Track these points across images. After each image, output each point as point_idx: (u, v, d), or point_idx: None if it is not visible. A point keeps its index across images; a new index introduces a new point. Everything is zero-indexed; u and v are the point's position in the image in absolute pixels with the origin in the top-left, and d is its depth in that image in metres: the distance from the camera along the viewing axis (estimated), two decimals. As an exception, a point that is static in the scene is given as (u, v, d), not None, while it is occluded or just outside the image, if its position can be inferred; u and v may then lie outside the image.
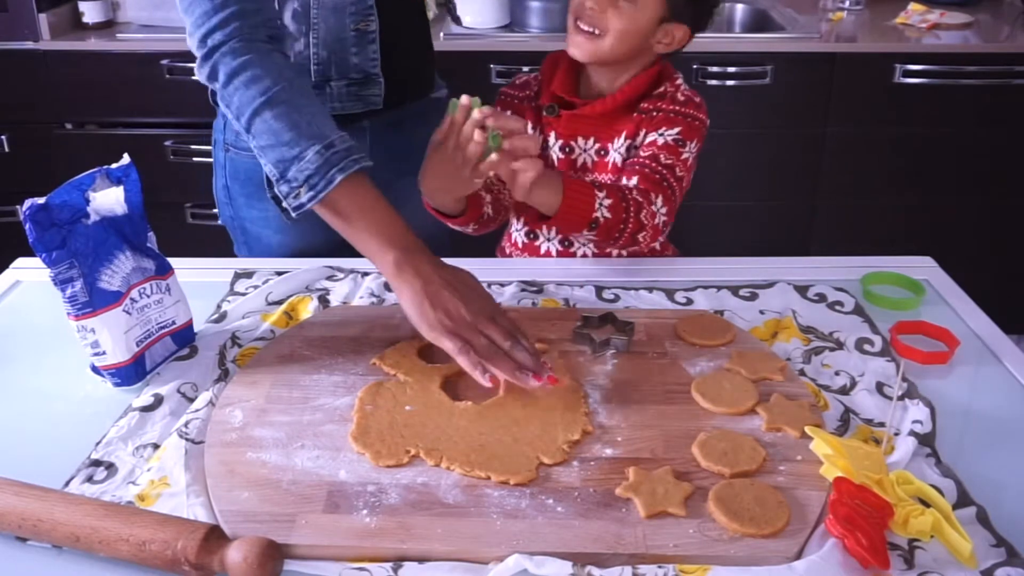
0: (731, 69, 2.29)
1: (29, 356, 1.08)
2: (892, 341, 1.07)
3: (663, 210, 1.18)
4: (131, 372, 1.00)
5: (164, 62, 2.24)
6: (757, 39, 2.40)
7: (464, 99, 1.03)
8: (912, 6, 2.48)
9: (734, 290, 1.19)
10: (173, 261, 1.05)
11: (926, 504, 0.80)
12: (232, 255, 1.37)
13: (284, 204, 1.04)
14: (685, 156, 1.22)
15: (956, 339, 1.06)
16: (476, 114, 1.01)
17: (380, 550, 0.77)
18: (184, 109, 2.27)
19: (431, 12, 2.41)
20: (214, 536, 0.75)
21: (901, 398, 0.95)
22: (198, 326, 1.09)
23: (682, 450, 0.88)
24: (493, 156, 1.03)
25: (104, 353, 0.97)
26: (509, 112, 1.30)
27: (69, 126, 2.37)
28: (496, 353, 0.94)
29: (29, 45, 2.27)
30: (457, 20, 2.35)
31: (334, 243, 1.40)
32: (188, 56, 1.10)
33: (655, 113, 1.24)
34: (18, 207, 2.26)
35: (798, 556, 0.76)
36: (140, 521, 0.76)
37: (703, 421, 0.93)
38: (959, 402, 0.97)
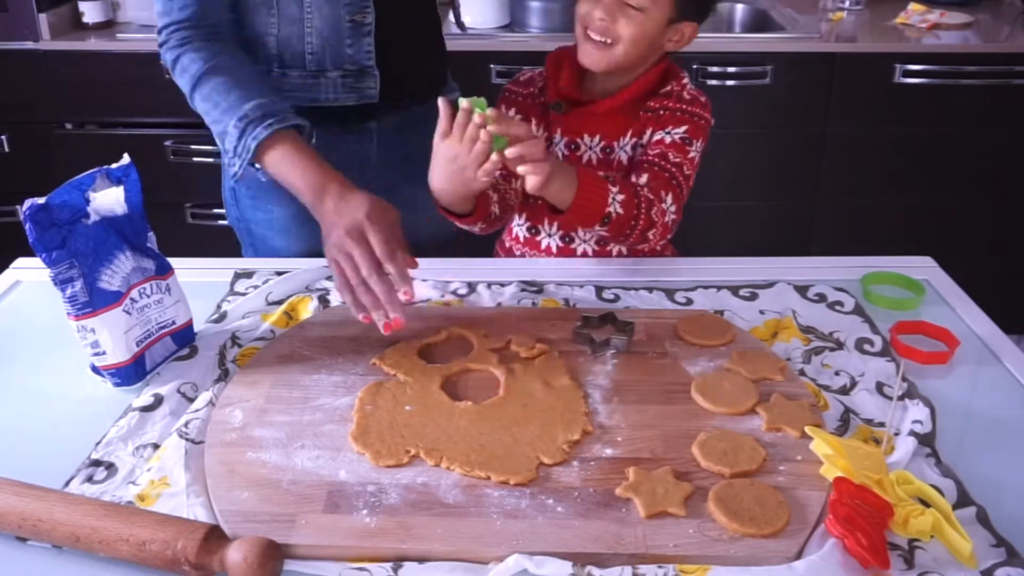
0: (731, 69, 2.29)
1: (29, 356, 1.08)
2: (892, 341, 1.06)
3: (672, 208, 1.17)
4: (131, 372, 1.00)
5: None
6: (757, 39, 2.40)
7: (464, 102, 1.03)
8: (912, 6, 2.48)
9: (734, 290, 1.19)
10: (173, 261, 1.05)
11: (926, 504, 0.80)
12: (232, 255, 1.37)
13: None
14: (692, 155, 1.22)
15: (956, 339, 1.06)
16: (477, 118, 1.01)
17: (380, 550, 0.77)
18: (184, 109, 2.24)
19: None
20: (214, 536, 0.75)
21: (901, 398, 0.95)
22: (198, 326, 1.09)
23: (682, 450, 0.88)
24: (494, 156, 1.03)
25: (104, 353, 0.97)
26: (513, 110, 1.30)
27: (69, 126, 2.37)
28: (360, 284, 1.04)
29: (29, 45, 2.27)
30: (460, 20, 2.35)
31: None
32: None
33: (662, 112, 1.24)
34: (18, 207, 2.26)
35: (798, 556, 0.76)
36: (140, 521, 0.76)
37: (703, 421, 0.93)
38: (959, 402, 0.97)
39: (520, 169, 1.03)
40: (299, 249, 1.37)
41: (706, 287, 1.20)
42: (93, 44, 2.30)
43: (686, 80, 1.28)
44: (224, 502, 0.82)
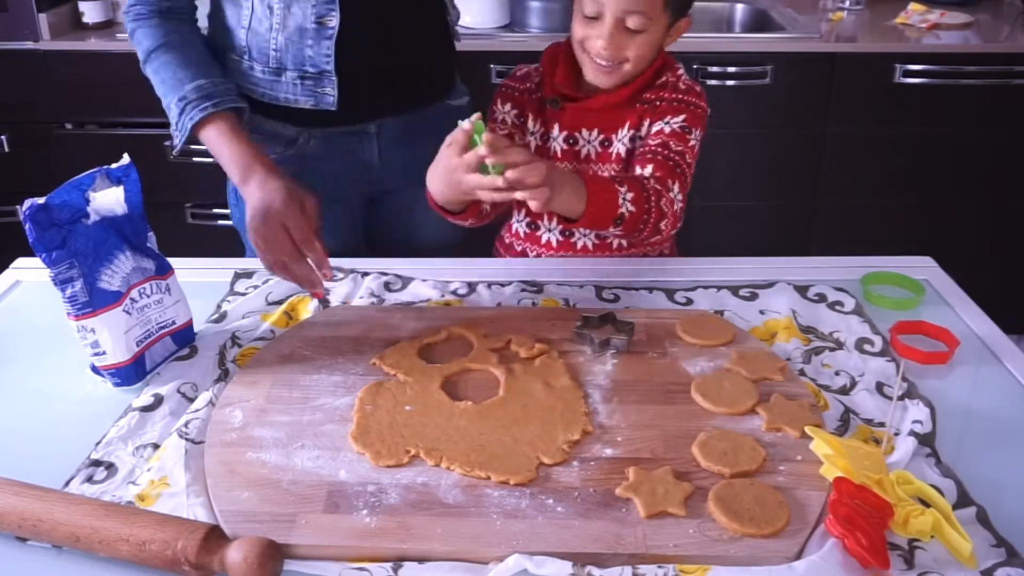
0: (731, 69, 2.29)
1: (29, 356, 1.08)
2: (892, 341, 1.06)
3: (679, 197, 1.16)
4: (131, 372, 1.00)
5: (164, 62, 2.23)
6: (757, 39, 2.40)
7: (465, 123, 1.01)
8: (912, 6, 2.48)
9: (734, 290, 1.19)
10: (173, 261, 1.05)
11: (926, 504, 0.80)
12: (232, 255, 1.37)
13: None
14: (692, 143, 1.22)
15: (956, 339, 1.06)
16: (482, 148, 0.98)
17: (380, 550, 0.77)
18: (184, 109, 2.26)
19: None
20: (214, 536, 0.75)
21: (901, 398, 0.95)
22: (198, 326, 1.09)
23: (682, 450, 0.88)
24: (497, 181, 0.99)
25: (104, 353, 0.97)
26: (509, 105, 1.30)
27: (69, 126, 2.37)
28: (281, 267, 1.12)
29: (29, 45, 2.26)
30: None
31: (339, 246, 1.41)
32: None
33: (659, 103, 1.24)
34: (18, 207, 2.25)
35: (798, 556, 0.76)
36: (140, 521, 0.76)
37: (703, 421, 0.93)
38: (959, 402, 0.97)
39: (519, 195, 1.00)
40: None
41: (706, 287, 1.20)
42: (93, 44, 2.30)
43: (681, 71, 1.27)
44: (224, 502, 0.82)
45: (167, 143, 2.32)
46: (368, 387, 0.97)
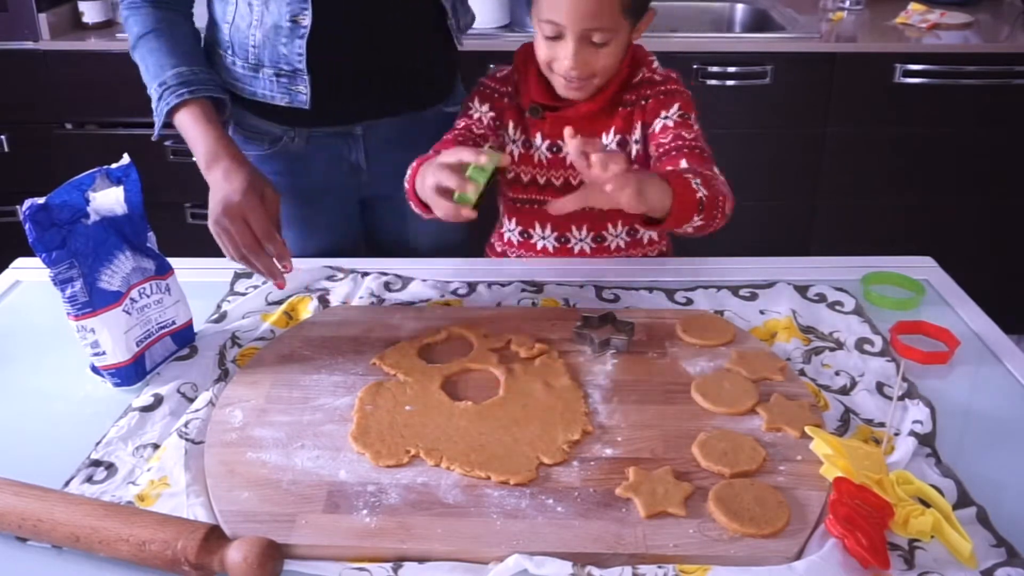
0: (731, 69, 2.29)
1: (29, 356, 1.08)
2: (892, 341, 1.06)
3: (722, 177, 1.14)
4: (131, 372, 1.00)
5: (164, 62, 2.23)
6: (757, 39, 2.40)
7: (483, 159, 1.00)
8: (912, 6, 2.48)
9: (734, 290, 1.19)
10: (173, 261, 1.05)
11: (926, 504, 0.80)
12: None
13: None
14: (696, 127, 1.22)
15: (956, 339, 1.06)
16: (482, 157, 0.98)
17: (380, 550, 0.77)
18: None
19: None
20: (214, 536, 0.75)
21: (901, 398, 0.95)
22: (198, 326, 1.09)
23: (682, 450, 0.88)
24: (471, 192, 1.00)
25: (104, 353, 0.97)
26: (488, 106, 1.27)
27: (69, 126, 2.37)
28: (242, 258, 1.15)
29: (29, 45, 2.26)
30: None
31: (335, 246, 1.41)
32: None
33: (643, 102, 1.22)
34: (18, 207, 2.26)
35: (798, 556, 0.76)
36: (140, 521, 0.76)
37: (703, 421, 0.93)
38: (959, 402, 0.97)
39: (609, 187, 0.96)
40: (299, 249, 1.37)
41: (706, 287, 1.20)
42: (93, 44, 2.30)
43: (654, 61, 1.25)
44: (224, 502, 0.82)
45: (167, 143, 2.33)
46: (368, 387, 0.97)
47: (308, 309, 1.15)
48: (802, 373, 1.01)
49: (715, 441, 0.88)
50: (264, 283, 1.20)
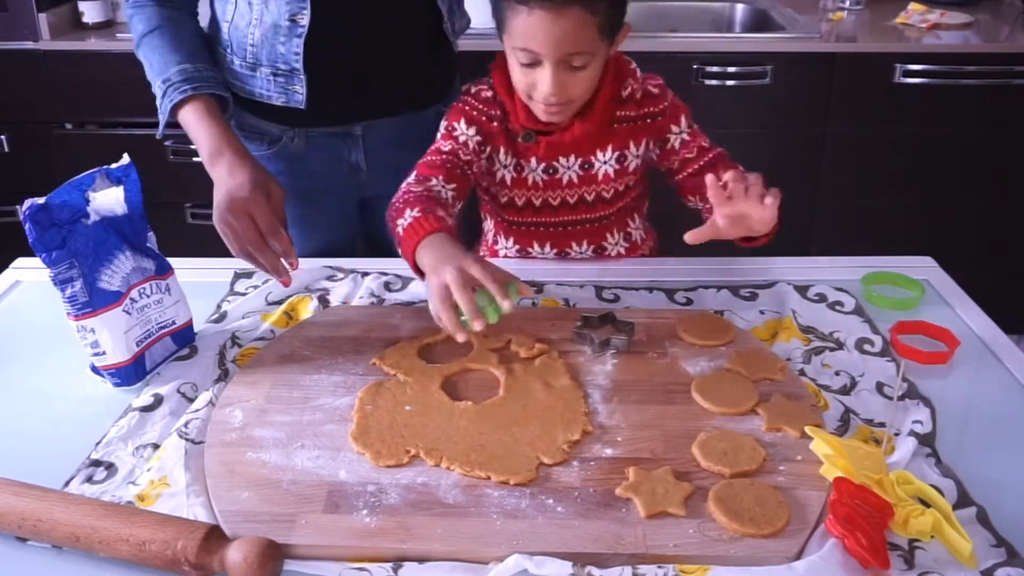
0: (731, 69, 2.29)
1: (29, 356, 1.08)
2: (892, 341, 1.06)
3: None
4: (131, 372, 1.00)
5: (164, 62, 2.23)
6: (757, 39, 2.40)
7: (506, 306, 0.93)
8: (912, 6, 2.48)
9: (734, 290, 1.19)
10: (173, 261, 1.05)
11: (926, 504, 0.80)
12: (232, 255, 1.37)
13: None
14: (703, 133, 1.23)
15: (956, 339, 1.06)
16: (505, 304, 0.93)
17: (380, 550, 0.77)
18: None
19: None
20: (214, 536, 0.75)
21: (901, 398, 0.95)
22: (198, 326, 1.09)
23: (682, 450, 0.88)
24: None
25: (104, 353, 0.97)
26: (474, 129, 1.21)
27: (69, 126, 2.37)
28: (247, 255, 1.14)
29: (29, 45, 2.26)
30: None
31: (334, 245, 1.41)
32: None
33: (648, 120, 1.21)
34: (18, 207, 2.25)
35: (798, 556, 0.76)
36: (140, 521, 0.76)
37: (703, 421, 0.93)
38: (959, 402, 0.97)
39: (768, 200, 1.01)
40: (299, 250, 1.36)
41: (706, 287, 1.20)
42: (93, 44, 2.30)
43: (636, 69, 1.22)
44: (224, 502, 0.82)
45: (167, 143, 2.33)
46: (368, 387, 0.97)
47: (308, 309, 1.15)
48: (802, 373, 1.01)
49: (715, 441, 0.88)
50: (264, 283, 1.20)
